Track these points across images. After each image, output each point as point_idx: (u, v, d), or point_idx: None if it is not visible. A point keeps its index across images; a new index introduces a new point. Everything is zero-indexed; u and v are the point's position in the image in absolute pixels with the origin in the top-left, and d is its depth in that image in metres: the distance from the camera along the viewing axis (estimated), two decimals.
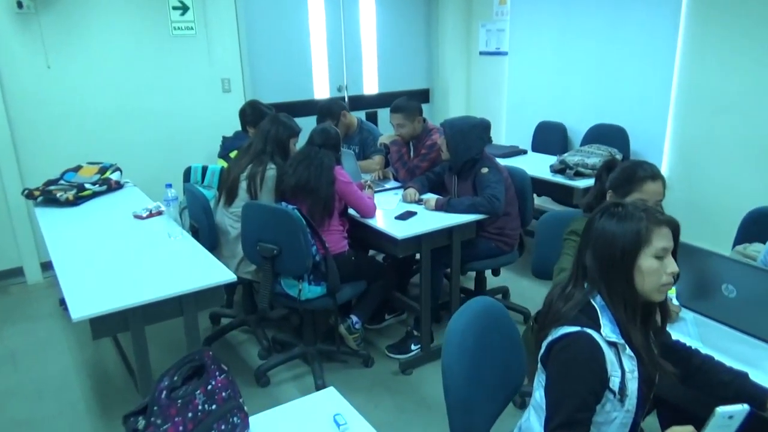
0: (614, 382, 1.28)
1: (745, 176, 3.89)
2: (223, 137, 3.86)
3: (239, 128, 3.79)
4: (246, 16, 4.74)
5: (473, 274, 3.54)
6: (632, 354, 1.32)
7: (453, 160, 3.10)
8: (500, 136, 5.60)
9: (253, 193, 2.94)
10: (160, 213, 2.97)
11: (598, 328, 1.30)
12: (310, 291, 2.76)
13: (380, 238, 2.93)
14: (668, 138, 4.32)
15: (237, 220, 2.95)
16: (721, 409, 1.22)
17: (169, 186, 2.81)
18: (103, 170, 3.60)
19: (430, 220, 2.93)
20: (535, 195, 3.49)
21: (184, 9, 4.38)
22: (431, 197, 3.10)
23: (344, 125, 3.88)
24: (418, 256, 3.11)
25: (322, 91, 5.36)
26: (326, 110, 3.88)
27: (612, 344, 1.30)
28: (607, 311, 1.33)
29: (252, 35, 4.83)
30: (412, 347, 3.13)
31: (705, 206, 4.12)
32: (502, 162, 3.31)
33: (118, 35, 4.20)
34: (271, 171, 2.96)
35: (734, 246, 2.53)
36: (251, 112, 3.66)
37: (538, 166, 4.02)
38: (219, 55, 4.63)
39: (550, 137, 4.96)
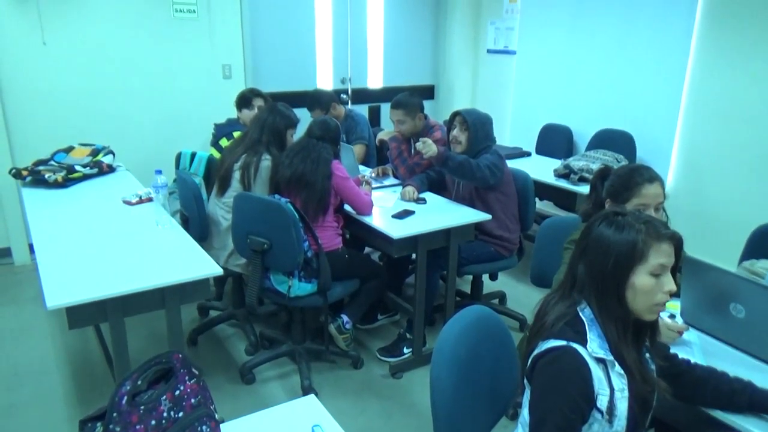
0: (602, 401, 1.20)
1: (754, 189, 3.79)
2: (215, 124, 3.76)
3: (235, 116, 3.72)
4: (250, 1, 4.63)
5: (470, 277, 3.45)
6: (622, 372, 1.23)
7: (471, 147, 3.01)
8: (504, 137, 5.49)
9: (246, 184, 2.84)
10: (150, 200, 2.89)
11: (584, 343, 1.22)
12: (300, 288, 2.67)
13: (376, 236, 2.84)
14: (676, 146, 4.22)
15: (229, 211, 2.86)
16: None
17: (159, 172, 2.72)
18: (95, 152, 3.50)
19: (427, 220, 2.84)
20: (537, 199, 3.40)
21: None
22: (432, 149, 2.80)
23: (331, 116, 3.85)
24: (414, 256, 3.01)
25: (325, 82, 5.25)
26: (315, 99, 3.84)
27: (600, 360, 1.22)
28: (596, 325, 1.25)
29: (256, 21, 4.72)
30: (404, 350, 3.03)
31: (711, 218, 4.02)
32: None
33: (117, 14, 4.10)
34: (266, 162, 2.87)
35: (741, 261, 2.44)
36: (240, 96, 3.59)
37: (542, 169, 3.93)
38: (221, 40, 4.53)
39: (555, 140, 4.86)
